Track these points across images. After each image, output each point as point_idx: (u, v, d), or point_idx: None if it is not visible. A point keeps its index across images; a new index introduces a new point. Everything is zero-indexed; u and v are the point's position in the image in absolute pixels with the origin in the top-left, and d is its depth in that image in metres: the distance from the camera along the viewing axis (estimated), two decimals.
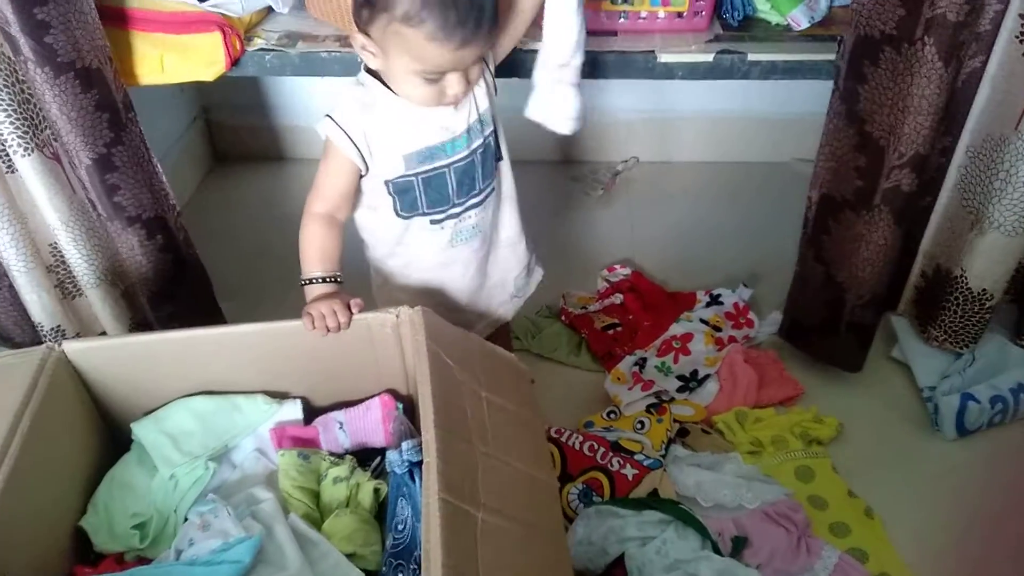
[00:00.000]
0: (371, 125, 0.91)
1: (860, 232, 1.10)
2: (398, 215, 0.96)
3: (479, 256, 1.03)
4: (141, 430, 0.90)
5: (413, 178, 0.93)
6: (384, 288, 1.06)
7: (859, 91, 1.00)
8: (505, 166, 1.01)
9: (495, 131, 0.98)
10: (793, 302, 1.28)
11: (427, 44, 0.82)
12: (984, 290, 1.18)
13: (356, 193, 0.96)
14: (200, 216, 1.77)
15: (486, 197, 0.99)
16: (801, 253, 1.21)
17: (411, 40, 0.82)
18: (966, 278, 1.19)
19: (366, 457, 0.93)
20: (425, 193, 0.94)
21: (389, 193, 0.94)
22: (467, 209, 0.98)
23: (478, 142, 0.94)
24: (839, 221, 1.11)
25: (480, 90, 0.94)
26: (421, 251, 1.00)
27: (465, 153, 0.94)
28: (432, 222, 0.97)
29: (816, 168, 1.12)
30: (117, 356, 0.88)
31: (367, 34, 0.86)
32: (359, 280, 1.05)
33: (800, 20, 1.14)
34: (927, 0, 0.89)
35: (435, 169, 0.93)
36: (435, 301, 1.03)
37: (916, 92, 0.95)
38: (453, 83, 0.87)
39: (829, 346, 1.26)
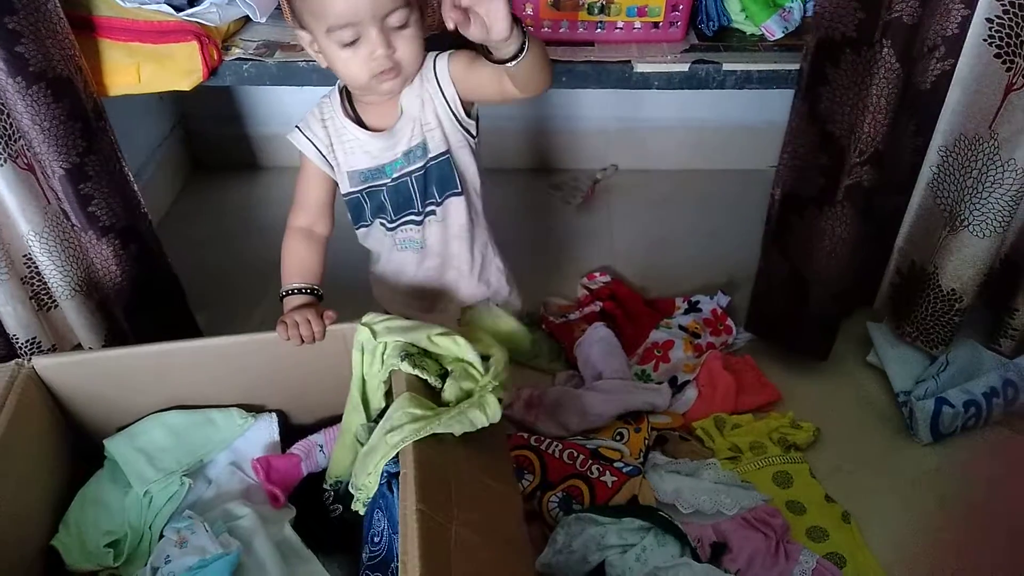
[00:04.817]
0: (332, 135, 0.94)
1: (824, 228, 1.12)
2: (355, 227, 1.01)
3: (426, 267, 1.03)
4: (114, 446, 0.89)
5: (358, 194, 0.97)
6: (375, 289, 1.11)
7: (821, 92, 1.02)
8: (458, 202, 0.97)
9: (450, 162, 0.95)
10: (758, 296, 1.30)
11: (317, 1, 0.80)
12: (953, 290, 1.20)
13: (333, 206, 0.98)
14: (180, 225, 1.76)
15: (424, 217, 0.98)
16: (764, 249, 1.23)
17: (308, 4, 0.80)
18: (937, 276, 1.21)
19: None
20: (369, 205, 0.98)
21: (347, 208, 0.99)
22: (402, 224, 0.99)
23: (416, 166, 0.93)
24: (803, 218, 1.14)
25: (428, 115, 0.92)
26: (377, 250, 1.04)
27: (397, 175, 0.94)
28: (380, 224, 1.00)
29: (779, 167, 1.14)
30: (88, 371, 0.87)
31: (301, 25, 0.86)
32: (348, 294, 1.06)
33: (774, 30, 1.15)
34: (884, 4, 0.92)
35: (374, 187, 0.96)
36: (402, 305, 1.06)
37: (875, 92, 0.98)
38: (371, 41, 0.83)
39: (795, 337, 1.29)
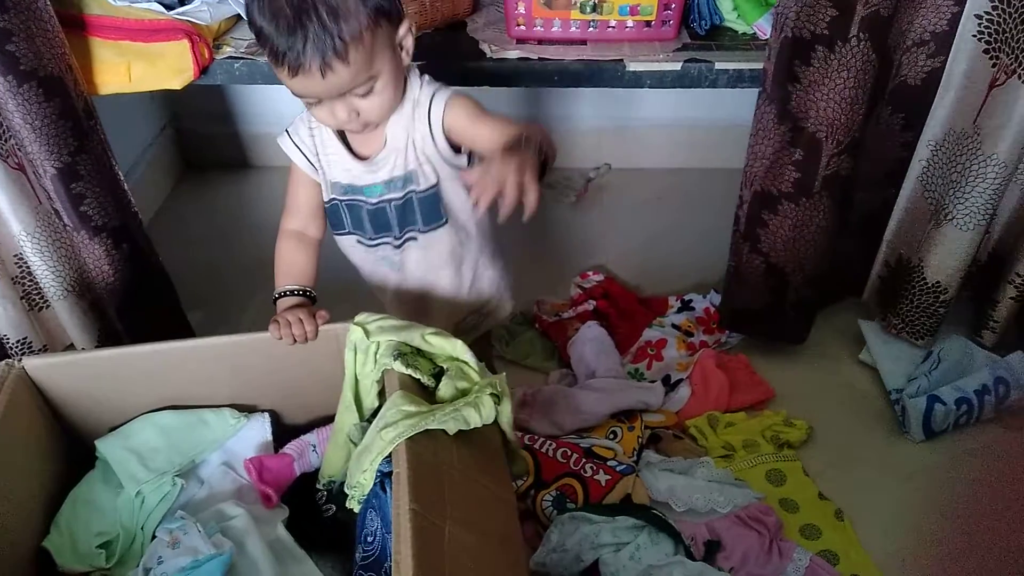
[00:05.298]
0: (319, 141, 0.93)
1: (801, 219, 1.13)
2: (333, 232, 0.99)
3: (408, 286, 1.02)
4: (106, 447, 0.88)
5: (339, 203, 0.95)
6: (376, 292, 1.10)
7: (790, 90, 1.03)
8: (443, 232, 0.96)
9: (437, 194, 0.93)
10: (731, 294, 1.31)
11: (272, 66, 0.79)
12: (938, 283, 1.21)
13: (324, 208, 0.97)
14: (171, 225, 1.76)
15: (403, 243, 0.97)
16: (735, 249, 1.24)
17: (268, 59, 0.80)
18: (922, 269, 1.22)
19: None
20: (348, 216, 0.96)
21: (327, 213, 0.98)
22: (380, 244, 0.98)
23: (395, 195, 0.92)
24: (777, 213, 1.14)
25: (417, 151, 0.90)
26: (357, 261, 1.03)
27: (375, 200, 0.93)
28: (358, 241, 0.99)
29: (746, 168, 1.15)
30: (79, 372, 0.86)
31: None
32: (342, 294, 1.05)
33: (766, 29, 1.15)
34: (860, 0, 0.93)
35: (354, 201, 0.95)
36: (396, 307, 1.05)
37: (851, 85, 0.99)
38: (334, 107, 0.82)
39: (774, 326, 1.30)
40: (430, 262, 0.98)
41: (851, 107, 1.00)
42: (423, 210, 0.93)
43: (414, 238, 0.96)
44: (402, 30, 0.83)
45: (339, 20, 0.75)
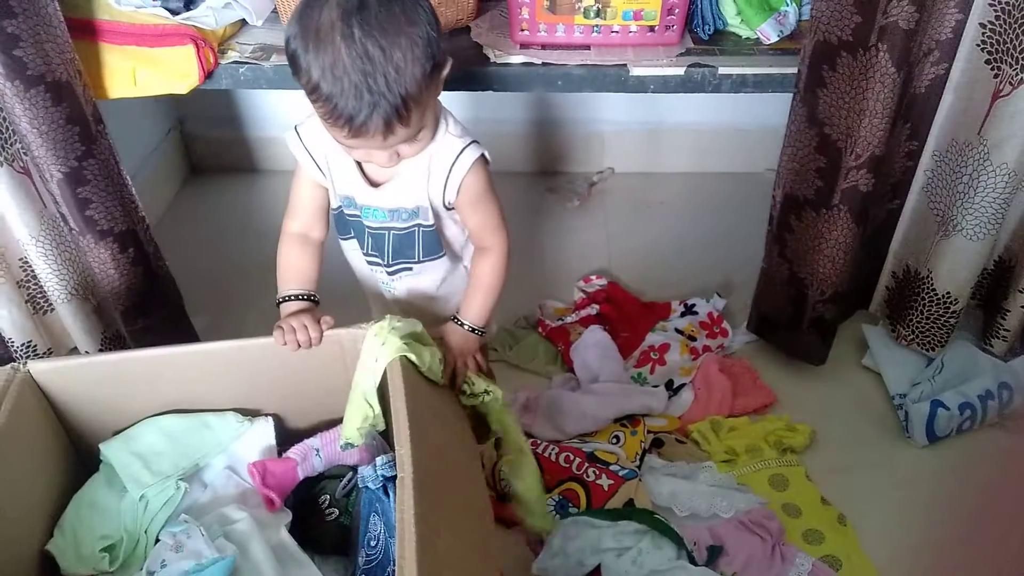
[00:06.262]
0: (329, 148, 0.90)
1: (820, 230, 1.13)
2: (339, 237, 1.00)
3: (401, 299, 1.02)
4: (110, 450, 0.88)
5: (344, 214, 0.95)
6: None
7: (819, 95, 1.03)
8: (439, 263, 0.96)
9: (435, 232, 0.93)
10: (760, 298, 1.31)
11: (326, 121, 0.78)
12: (948, 293, 1.21)
13: (327, 210, 0.97)
14: (176, 229, 1.76)
15: (395, 272, 0.97)
16: (767, 249, 1.24)
17: (317, 110, 0.78)
18: (932, 280, 1.21)
19: (338, 473, 0.92)
20: (352, 226, 0.97)
21: (332, 219, 0.98)
22: (373, 265, 0.98)
23: (398, 224, 0.92)
24: (801, 219, 1.14)
25: (428, 192, 0.90)
26: (355, 266, 1.03)
27: (377, 225, 0.93)
28: (359, 247, 0.99)
29: (779, 169, 1.14)
30: (84, 376, 0.86)
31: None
32: (345, 299, 1.05)
33: (769, 34, 1.16)
34: (880, 8, 0.92)
35: (355, 218, 0.94)
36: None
37: (871, 96, 0.98)
38: (376, 156, 0.81)
39: (793, 340, 1.29)
40: (421, 289, 0.99)
41: (870, 120, 1.00)
42: (425, 243, 0.94)
43: (408, 268, 0.97)
44: (444, 72, 0.82)
45: (404, 80, 0.73)
